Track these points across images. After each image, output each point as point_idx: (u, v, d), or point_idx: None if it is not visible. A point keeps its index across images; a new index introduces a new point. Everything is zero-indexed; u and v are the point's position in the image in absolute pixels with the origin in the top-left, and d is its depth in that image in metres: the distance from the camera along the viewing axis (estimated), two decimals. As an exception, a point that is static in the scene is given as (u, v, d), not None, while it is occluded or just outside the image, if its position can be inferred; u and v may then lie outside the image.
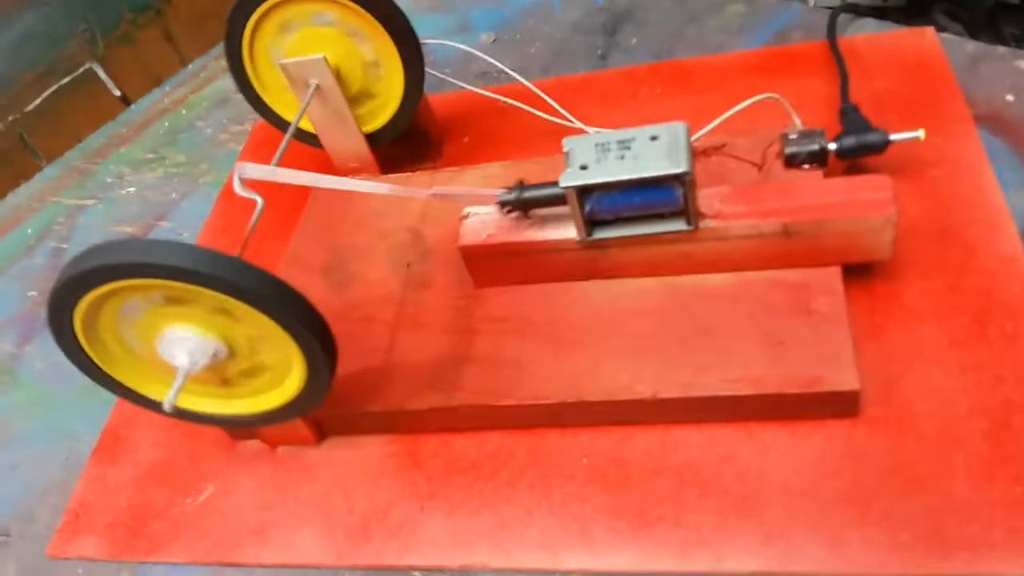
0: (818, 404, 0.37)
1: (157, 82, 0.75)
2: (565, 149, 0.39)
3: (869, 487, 0.35)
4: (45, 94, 0.81)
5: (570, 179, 0.38)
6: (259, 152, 0.62)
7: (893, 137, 0.43)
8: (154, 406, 0.38)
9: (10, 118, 0.79)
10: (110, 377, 0.37)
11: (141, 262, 0.31)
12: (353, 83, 0.49)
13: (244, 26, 0.47)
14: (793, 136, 0.42)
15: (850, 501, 0.35)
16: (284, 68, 0.46)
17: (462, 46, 0.52)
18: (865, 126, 0.44)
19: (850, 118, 0.45)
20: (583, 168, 0.38)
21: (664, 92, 0.54)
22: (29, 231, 0.64)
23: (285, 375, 0.37)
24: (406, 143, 0.53)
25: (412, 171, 0.52)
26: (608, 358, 0.39)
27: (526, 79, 0.50)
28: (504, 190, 0.40)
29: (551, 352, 0.40)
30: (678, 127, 0.38)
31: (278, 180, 0.38)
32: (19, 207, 0.67)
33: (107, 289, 0.33)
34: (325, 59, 0.46)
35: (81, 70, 0.82)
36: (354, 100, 0.49)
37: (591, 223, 0.40)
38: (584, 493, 0.38)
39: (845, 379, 0.36)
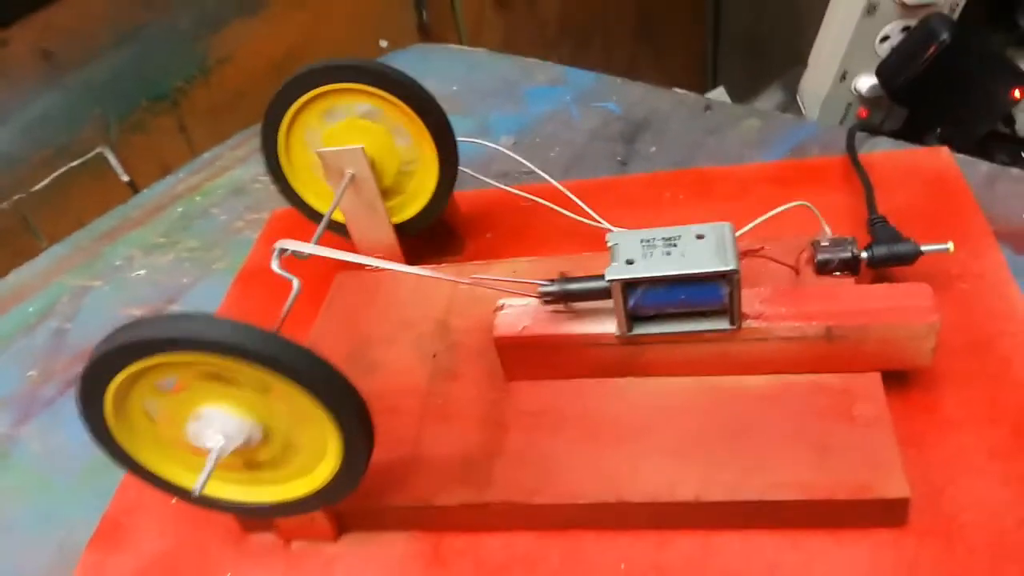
0: (866, 512, 0.36)
1: (166, 171, 0.75)
2: (610, 244, 0.39)
3: (922, 598, 0.34)
4: (53, 176, 0.80)
5: (617, 272, 0.38)
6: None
7: (924, 248, 0.43)
8: (178, 492, 0.37)
9: (15, 197, 0.78)
10: (134, 461, 0.35)
11: (186, 337, 0.30)
12: (386, 176, 0.49)
13: (287, 110, 0.47)
14: (825, 243, 0.43)
15: (903, 613, 0.33)
16: (322, 156, 0.47)
17: (490, 144, 0.53)
18: (896, 236, 0.44)
19: (879, 228, 0.46)
20: (629, 263, 0.38)
21: (687, 198, 0.55)
22: (31, 309, 0.62)
23: (318, 461, 0.35)
24: (431, 236, 0.53)
25: (438, 264, 0.52)
26: (648, 457, 0.38)
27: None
28: (546, 281, 0.40)
29: (587, 449, 0.39)
30: (724, 227, 0.38)
31: (321, 254, 0.38)
32: (22, 285, 0.65)
33: (147, 364, 0.31)
34: (363, 150, 0.46)
35: (91, 154, 0.82)
36: (385, 192, 0.49)
37: (632, 318, 0.39)
38: (622, 600, 0.36)
39: (895, 486, 0.35)
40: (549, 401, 0.42)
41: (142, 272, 0.64)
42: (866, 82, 1.07)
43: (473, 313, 0.47)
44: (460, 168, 0.54)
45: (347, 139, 0.48)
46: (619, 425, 0.40)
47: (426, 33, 1.11)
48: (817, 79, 1.11)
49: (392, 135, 0.48)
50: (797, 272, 0.42)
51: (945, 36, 0.92)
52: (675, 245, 0.38)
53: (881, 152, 0.54)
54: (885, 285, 0.40)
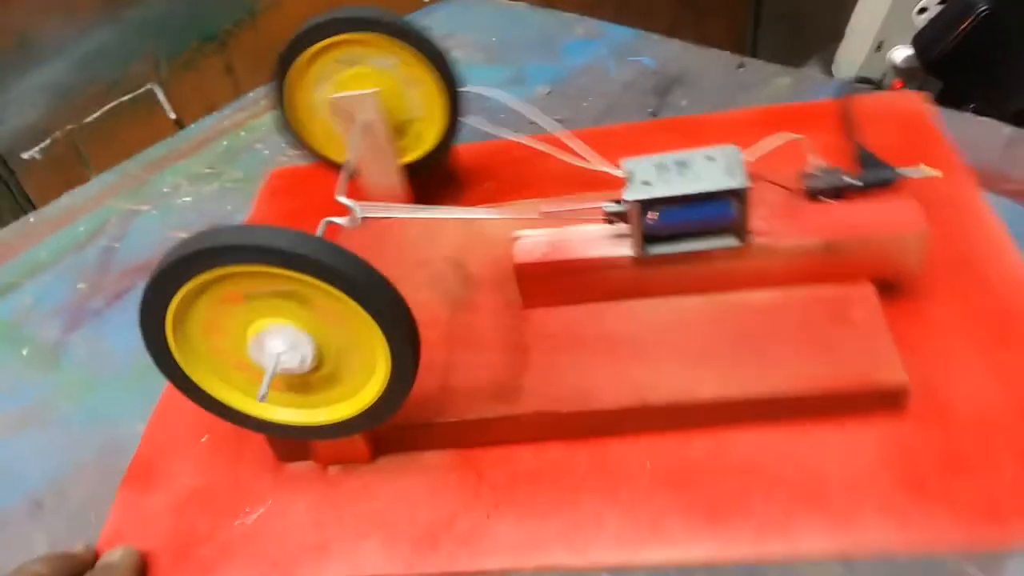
0: (869, 400, 0.39)
1: (212, 111, 0.78)
2: (626, 168, 0.42)
3: (924, 472, 0.37)
4: (104, 109, 0.84)
5: (635, 194, 0.40)
6: (275, 200, 0.63)
7: (908, 173, 0.47)
8: (232, 414, 0.38)
9: (68, 127, 0.83)
10: (190, 379, 0.37)
11: (259, 245, 0.32)
12: (392, 120, 0.51)
13: (299, 56, 0.49)
14: (815, 172, 0.46)
15: (908, 486, 0.37)
16: (336, 102, 0.48)
17: (514, 97, 0.55)
18: (879, 163, 0.48)
19: (863, 157, 0.50)
20: (646, 184, 0.40)
21: (680, 143, 0.57)
22: (81, 229, 0.66)
23: (368, 378, 0.37)
24: (429, 184, 0.55)
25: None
26: (666, 366, 0.41)
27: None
28: (611, 203, 0.42)
29: (608, 363, 0.42)
30: (732, 149, 0.41)
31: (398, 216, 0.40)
32: (73, 207, 0.69)
33: (212, 276, 0.33)
34: (377, 94, 0.48)
35: (142, 90, 0.86)
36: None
37: (647, 239, 0.42)
38: (651, 494, 0.39)
39: (894, 374, 0.38)
40: (567, 324, 0.44)
41: (188, 199, 0.67)
42: (901, 53, 1.06)
43: (484, 250, 0.49)
44: (463, 120, 0.56)
45: (355, 87, 0.50)
46: (636, 341, 0.43)
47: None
48: (853, 49, 1.10)
49: (399, 81, 0.50)
50: (793, 195, 0.46)
51: (983, 8, 0.90)
52: (687, 167, 0.41)
53: (860, 96, 0.58)
54: (874, 202, 0.44)
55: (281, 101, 0.51)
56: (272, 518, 0.41)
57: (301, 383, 0.37)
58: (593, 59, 0.72)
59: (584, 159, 0.53)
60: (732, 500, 0.38)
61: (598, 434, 0.41)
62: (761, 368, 0.40)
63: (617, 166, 0.53)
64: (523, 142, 0.55)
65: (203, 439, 0.46)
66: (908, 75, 1.08)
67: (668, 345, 0.42)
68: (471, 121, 0.54)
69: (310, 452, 0.42)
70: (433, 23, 0.83)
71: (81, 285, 0.60)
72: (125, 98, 0.84)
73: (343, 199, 0.42)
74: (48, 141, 0.83)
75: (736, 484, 0.38)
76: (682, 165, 0.41)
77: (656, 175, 0.41)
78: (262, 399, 0.34)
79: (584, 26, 0.77)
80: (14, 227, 0.69)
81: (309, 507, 0.41)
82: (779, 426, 0.40)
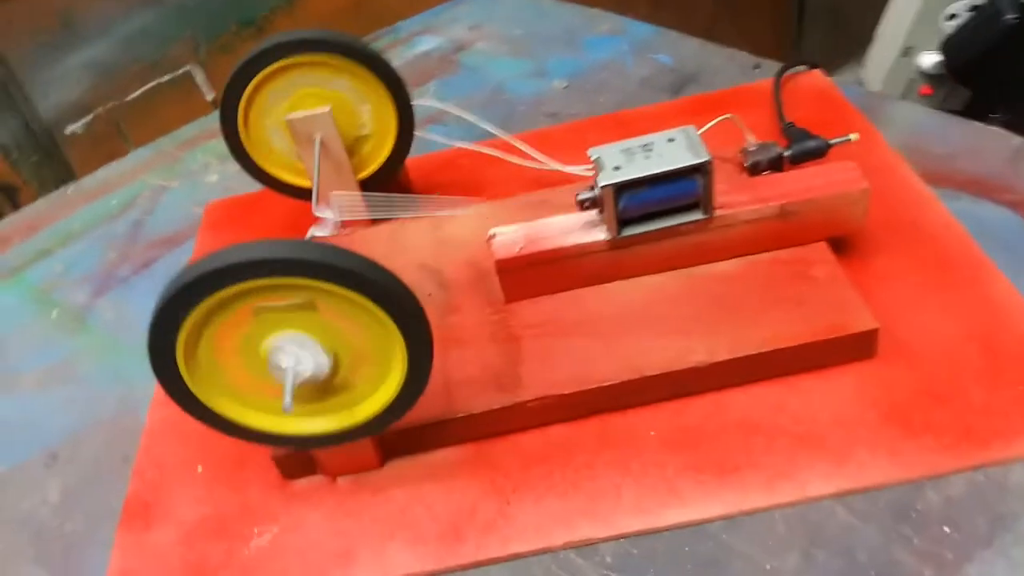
0: (843, 347, 0.42)
1: None
2: (593, 157, 0.44)
3: (904, 407, 0.40)
4: (144, 88, 0.89)
5: (608, 178, 0.42)
6: (216, 231, 0.62)
7: (832, 141, 0.51)
8: (255, 436, 0.38)
9: (110, 104, 0.87)
10: (204, 405, 0.36)
11: (274, 258, 0.32)
12: (345, 138, 0.52)
13: (247, 85, 0.49)
14: (752, 148, 0.50)
15: (893, 421, 0.40)
16: (291, 123, 0.49)
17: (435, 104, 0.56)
18: (808, 135, 0.52)
19: (792, 131, 0.53)
20: (616, 169, 0.43)
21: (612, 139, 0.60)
22: (114, 202, 0.70)
23: (384, 376, 0.37)
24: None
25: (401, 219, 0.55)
26: (654, 339, 0.43)
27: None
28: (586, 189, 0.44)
29: (598, 344, 0.44)
30: (689, 129, 0.44)
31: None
32: (108, 180, 0.73)
33: (227, 294, 0.33)
34: (331, 112, 0.49)
35: (180, 71, 0.90)
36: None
37: (621, 222, 0.44)
38: (661, 459, 0.41)
39: (865, 321, 0.42)
40: (550, 313, 0.46)
41: (215, 178, 0.70)
42: (929, 59, 1.03)
43: (454, 254, 0.50)
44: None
45: (308, 107, 0.50)
46: (620, 319, 0.45)
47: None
48: (881, 53, 1.09)
49: (347, 98, 0.51)
50: (739, 170, 0.49)
51: (1011, 17, 0.89)
52: (651, 149, 0.43)
53: (769, 79, 0.62)
54: (816, 167, 0.47)
55: (234, 125, 0.50)
56: (289, 535, 0.41)
57: (318, 391, 0.37)
58: (613, 55, 0.74)
59: (537, 160, 0.55)
60: (737, 456, 0.40)
61: (599, 411, 0.43)
62: (743, 330, 0.43)
63: (566, 164, 0.55)
64: (474, 149, 0.56)
65: (199, 469, 0.45)
66: (936, 81, 1.06)
67: (651, 320, 0.44)
68: (423, 133, 0.55)
69: (317, 466, 0.42)
70: (462, 15, 0.85)
71: (111, 254, 0.64)
72: (164, 78, 0.89)
73: (320, 211, 0.42)
74: (90, 117, 0.88)
75: (737, 439, 0.41)
76: (646, 148, 0.43)
77: (625, 159, 0.43)
78: (287, 409, 0.34)
79: (609, 22, 0.79)
80: (51, 197, 0.73)
81: (325, 518, 0.41)
82: (767, 383, 0.42)
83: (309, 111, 0.49)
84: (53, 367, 0.55)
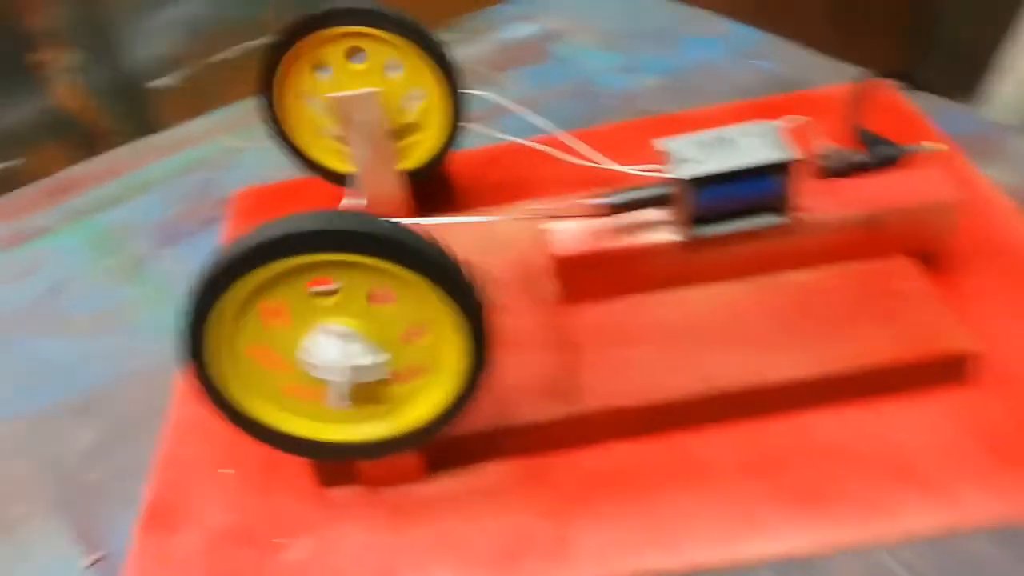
0: (937, 369, 0.38)
1: None
2: (665, 148, 0.40)
3: (1007, 438, 0.37)
4: (232, 48, 0.88)
5: (683, 171, 0.39)
6: (247, 220, 0.59)
7: (914, 148, 0.47)
8: (300, 446, 0.35)
9: (198, 62, 0.87)
10: (237, 409, 0.32)
11: (336, 229, 0.29)
12: (392, 122, 0.48)
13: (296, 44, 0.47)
14: (828, 154, 0.46)
15: (994, 452, 0.36)
16: (337, 101, 0.45)
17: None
18: (885, 142, 0.48)
19: (867, 137, 0.50)
20: (691, 162, 0.39)
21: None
22: (188, 158, 0.70)
23: (442, 374, 0.34)
24: (428, 191, 0.52)
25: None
26: (730, 350, 0.39)
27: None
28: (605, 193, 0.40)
29: (667, 353, 0.40)
30: (772, 124, 0.40)
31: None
32: (185, 137, 0.73)
33: (279, 269, 0.29)
34: (378, 94, 0.45)
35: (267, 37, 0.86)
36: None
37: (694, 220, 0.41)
38: (738, 485, 0.37)
39: (964, 341, 0.38)
40: (611, 318, 0.42)
41: None
42: None
43: (501, 252, 0.46)
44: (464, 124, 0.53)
45: (351, 87, 0.46)
46: (691, 329, 0.41)
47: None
48: (1009, 86, 1.01)
49: (400, 83, 0.47)
50: (816, 174, 0.45)
51: None
52: (729, 143, 0.40)
53: (831, 86, 0.59)
54: (901, 174, 0.44)
55: (270, 91, 0.47)
56: (326, 547, 0.37)
57: (367, 392, 0.34)
58: (711, 57, 0.70)
59: (590, 159, 0.51)
60: (822, 483, 0.36)
61: (666, 428, 0.39)
62: (829, 345, 0.39)
63: (622, 164, 0.52)
64: (524, 144, 0.53)
65: (229, 471, 0.41)
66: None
67: (726, 330, 0.40)
68: (471, 125, 0.52)
69: (357, 475, 0.38)
70: (561, 5, 0.82)
71: (178, 208, 0.64)
72: (254, 42, 0.86)
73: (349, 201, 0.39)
74: (178, 73, 0.88)
75: (820, 465, 0.37)
76: (723, 141, 0.40)
77: (700, 152, 0.39)
78: (342, 405, 0.30)
79: (710, 24, 0.75)
80: (129, 148, 0.73)
81: (366, 532, 0.37)
82: (854, 405, 0.39)
83: (354, 92, 0.45)
84: (104, 313, 0.55)
